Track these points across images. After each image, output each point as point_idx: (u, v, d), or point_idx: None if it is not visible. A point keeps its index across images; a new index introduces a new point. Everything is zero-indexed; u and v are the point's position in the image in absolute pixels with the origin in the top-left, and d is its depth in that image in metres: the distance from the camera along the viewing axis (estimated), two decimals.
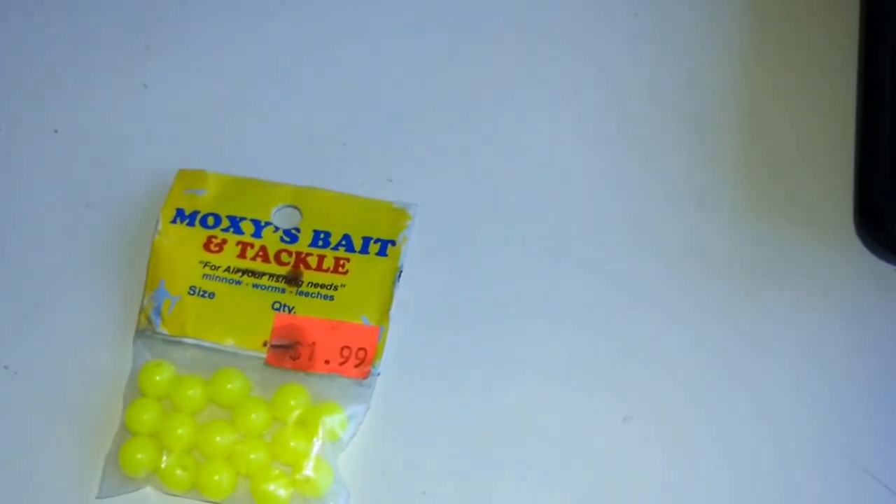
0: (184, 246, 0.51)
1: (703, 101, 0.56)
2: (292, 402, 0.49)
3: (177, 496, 0.49)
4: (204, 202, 0.52)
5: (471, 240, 0.54)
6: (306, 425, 0.48)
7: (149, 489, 0.49)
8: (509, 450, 0.50)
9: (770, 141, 0.55)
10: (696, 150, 0.55)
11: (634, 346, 0.51)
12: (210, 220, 0.52)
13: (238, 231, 0.52)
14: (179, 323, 0.50)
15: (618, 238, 0.54)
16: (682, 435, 0.50)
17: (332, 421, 0.49)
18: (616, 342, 0.51)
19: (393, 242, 0.51)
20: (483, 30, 0.58)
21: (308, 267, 0.51)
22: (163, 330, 0.50)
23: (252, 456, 0.48)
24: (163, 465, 0.48)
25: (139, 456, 0.48)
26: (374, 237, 0.52)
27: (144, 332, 0.50)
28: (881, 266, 0.52)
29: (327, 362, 0.49)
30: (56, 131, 0.57)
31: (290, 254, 0.51)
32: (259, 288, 0.50)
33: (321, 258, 0.51)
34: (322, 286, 0.51)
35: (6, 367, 0.51)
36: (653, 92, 0.57)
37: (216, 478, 0.48)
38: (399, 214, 0.52)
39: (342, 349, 0.49)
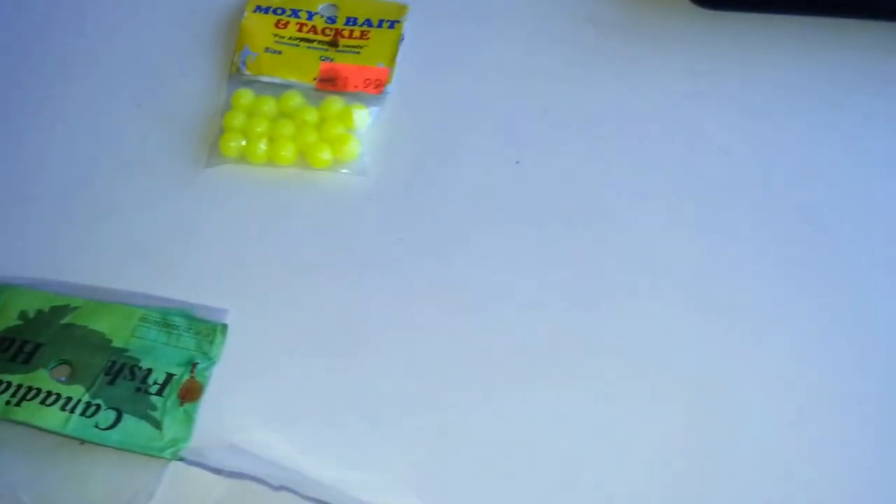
0: (262, 25, 0.68)
1: None
2: (333, 105, 0.65)
3: (258, 166, 0.64)
4: (275, 0, 0.71)
5: (448, 21, 0.70)
6: (343, 118, 0.65)
7: (238, 166, 0.65)
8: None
9: None
10: None
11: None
12: (279, 10, 0.69)
13: (297, 16, 0.69)
14: (258, 67, 0.66)
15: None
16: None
17: (360, 115, 0.65)
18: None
19: (398, 21, 0.69)
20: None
21: (343, 36, 0.68)
22: (247, 72, 0.67)
23: (308, 137, 0.64)
24: (247, 145, 0.64)
25: (232, 143, 0.64)
26: (386, 19, 0.69)
27: (235, 74, 0.67)
28: (706, 13, 0.67)
29: (356, 87, 0.67)
30: None
31: (331, 29, 0.69)
32: (311, 48, 0.68)
33: (351, 31, 0.68)
34: (352, 46, 0.67)
35: (139, 105, 0.68)
36: None
37: (284, 152, 0.64)
38: (401, 8, 0.70)
39: (365, 80, 0.66)
